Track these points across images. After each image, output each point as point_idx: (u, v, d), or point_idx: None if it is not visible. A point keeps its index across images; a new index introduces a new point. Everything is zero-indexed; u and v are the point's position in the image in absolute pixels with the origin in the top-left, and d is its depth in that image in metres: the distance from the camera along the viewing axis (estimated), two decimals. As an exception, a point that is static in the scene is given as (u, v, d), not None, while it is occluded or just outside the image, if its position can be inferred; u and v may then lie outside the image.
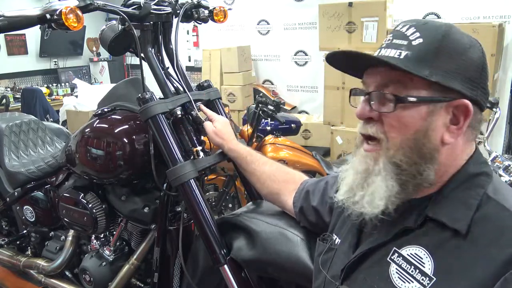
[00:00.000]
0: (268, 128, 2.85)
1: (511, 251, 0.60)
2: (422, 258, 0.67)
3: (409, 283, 0.67)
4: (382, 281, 0.71)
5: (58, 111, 5.09)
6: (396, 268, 0.69)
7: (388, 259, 0.71)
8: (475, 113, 0.69)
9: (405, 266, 0.68)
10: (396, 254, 0.70)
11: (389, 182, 0.70)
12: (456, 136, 0.69)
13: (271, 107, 2.61)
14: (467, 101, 0.67)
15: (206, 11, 1.44)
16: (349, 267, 0.78)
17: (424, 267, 0.66)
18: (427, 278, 0.65)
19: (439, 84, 0.67)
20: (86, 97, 4.67)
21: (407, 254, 0.69)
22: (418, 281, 0.66)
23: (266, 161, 1.21)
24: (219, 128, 1.27)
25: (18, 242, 2.01)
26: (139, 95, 1.22)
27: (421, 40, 0.69)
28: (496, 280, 0.60)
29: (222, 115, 1.39)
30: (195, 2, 1.41)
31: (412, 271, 0.67)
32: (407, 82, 0.69)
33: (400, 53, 0.69)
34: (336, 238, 0.89)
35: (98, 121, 1.42)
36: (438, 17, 3.69)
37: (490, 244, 0.63)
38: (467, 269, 0.63)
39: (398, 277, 0.69)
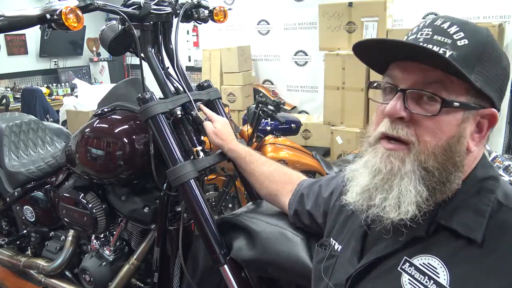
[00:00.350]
0: (268, 128, 2.85)
1: None
2: (436, 268, 0.64)
3: None
4: None
5: (58, 111, 5.09)
6: (409, 279, 0.66)
7: (399, 268, 0.68)
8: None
9: (418, 277, 0.65)
10: (408, 264, 0.67)
11: (419, 187, 0.66)
12: (478, 144, 0.67)
13: (271, 107, 2.61)
14: (495, 111, 0.66)
15: (206, 11, 1.44)
16: (355, 276, 0.75)
17: (439, 277, 0.63)
18: None
19: (477, 90, 0.64)
20: (86, 97, 4.67)
21: (420, 264, 0.66)
22: None
23: (264, 162, 1.21)
24: (219, 128, 1.27)
25: (18, 242, 2.01)
26: (139, 95, 1.22)
27: (466, 41, 0.65)
28: None
29: (222, 115, 1.39)
30: (195, 2, 1.41)
31: (426, 282, 0.64)
32: (448, 84, 0.64)
33: (445, 51, 0.64)
34: (335, 244, 0.86)
35: (98, 121, 1.42)
36: (438, 17, 3.69)
37: (508, 254, 0.60)
38: (484, 280, 0.60)
39: (411, 287, 0.66)
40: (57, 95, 5.68)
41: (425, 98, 0.65)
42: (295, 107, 4.71)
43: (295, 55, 4.65)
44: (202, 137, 1.34)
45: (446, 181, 0.66)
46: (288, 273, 1.08)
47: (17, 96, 5.23)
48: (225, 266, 1.15)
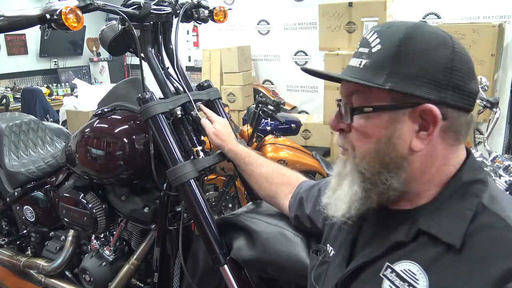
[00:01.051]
0: (268, 128, 2.85)
1: (505, 267, 0.57)
2: (415, 275, 0.64)
3: None
4: None
5: (58, 111, 5.09)
6: (389, 285, 0.66)
7: (381, 274, 0.68)
8: (454, 116, 0.66)
9: (398, 283, 0.65)
10: (389, 270, 0.67)
11: (354, 188, 0.71)
12: (427, 142, 0.66)
13: (271, 107, 2.61)
14: (430, 105, 0.64)
15: (206, 11, 1.44)
16: (342, 281, 0.75)
17: (418, 284, 0.63)
18: None
19: (399, 91, 0.65)
20: (86, 97, 4.67)
21: (401, 270, 0.66)
22: None
23: (263, 162, 1.20)
24: (218, 129, 1.27)
25: (18, 242, 2.01)
26: (139, 95, 1.22)
27: (379, 46, 0.67)
28: None
29: (222, 115, 1.39)
30: (195, 2, 1.41)
31: None
32: (367, 92, 0.68)
33: (361, 62, 0.69)
34: (331, 250, 0.85)
35: (98, 121, 1.42)
36: (438, 17, 3.69)
37: (484, 259, 0.59)
38: (462, 287, 0.60)
39: None
40: (57, 95, 5.68)
41: (346, 108, 0.71)
42: (295, 107, 4.71)
43: (295, 55, 4.65)
44: (202, 137, 1.34)
45: (380, 182, 0.68)
46: (288, 273, 1.08)
47: (17, 96, 5.23)
48: (225, 266, 1.15)
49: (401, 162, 0.67)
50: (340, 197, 0.73)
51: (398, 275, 0.66)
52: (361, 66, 0.69)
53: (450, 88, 0.65)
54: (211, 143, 1.29)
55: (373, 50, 0.68)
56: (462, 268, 0.60)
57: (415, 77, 0.65)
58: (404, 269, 0.65)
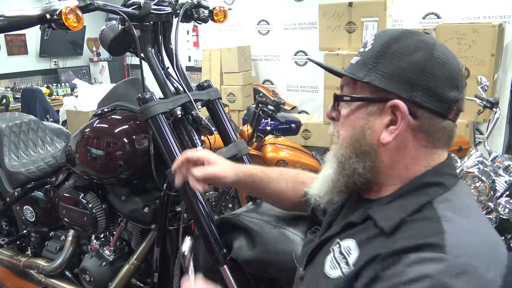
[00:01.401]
0: (268, 128, 2.85)
1: (411, 244, 0.62)
2: (351, 250, 0.71)
3: (334, 269, 0.72)
4: (319, 267, 0.76)
5: (58, 111, 5.09)
6: (331, 257, 0.74)
7: (330, 248, 0.76)
8: (425, 117, 0.70)
9: (337, 256, 0.73)
10: (337, 245, 0.75)
11: (329, 170, 0.79)
12: (394, 136, 0.70)
13: (271, 107, 2.61)
14: (398, 101, 0.69)
15: (206, 11, 1.44)
16: (310, 252, 0.84)
17: (350, 257, 0.71)
18: (347, 267, 0.70)
19: (374, 85, 0.71)
20: (86, 97, 4.67)
21: (344, 246, 0.73)
22: (340, 269, 0.71)
23: (278, 177, 1.10)
24: (219, 167, 1.03)
25: (18, 242, 2.01)
26: (139, 95, 1.22)
27: (370, 46, 0.74)
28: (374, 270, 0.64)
29: (222, 115, 1.39)
30: (195, 2, 1.41)
31: (340, 261, 0.72)
32: (354, 85, 0.75)
33: (355, 59, 0.77)
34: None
35: (98, 121, 1.42)
36: (438, 17, 3.69)
37: (400, 239, 0.64)
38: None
39: (329, 265, 0.74)
40: (57, 95, 5.68)
41: (334, 97, 0.79)
42: (295, 107, 4.71)
43: (295, 55, 4.65)
44: (202, 137, 1.34)
45: (347, 165, 0.76)
46: (288, 272, 1.08)
47: (17, 96, 5.22)
48: (225, 266, 1.15)
49: (369, 151, 0.73)
50: (318, 178, 0.83)
51: (340, 250, 0.73)
52: (354, 63, 0.76)
53: (422, 89, 0.69)
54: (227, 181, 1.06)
55: (366, 49, 0.75)
56: (383, 244, 0.67)
57: (391, 75, 0.70)
58: (347, 245, 0.73)
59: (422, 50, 0.70)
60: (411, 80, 0.69)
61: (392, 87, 0.70)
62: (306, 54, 4.57)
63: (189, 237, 0.99)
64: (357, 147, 0.74)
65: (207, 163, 1.02)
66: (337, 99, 0.78)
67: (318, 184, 0.83)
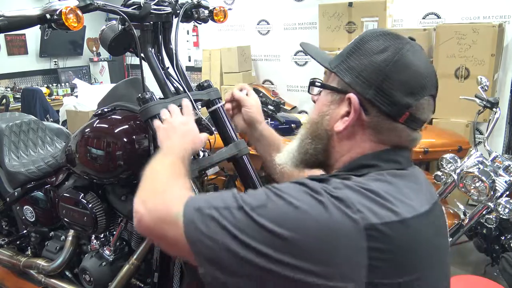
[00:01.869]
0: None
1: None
2: None
3: None
4: None
5: (58, 111, 5.08)
6: None
7: None
8: (374, 115, 0.75)
9: None
10: None
11: (293, 145, 0.88)
12: (346, 126, 0.76)
13: (271, 107, 2.61)
14: (352, 95, 0.75)
15: (206, 11, 1.44)
16: None
17: None
18: None
19: (338, 76, 0.78)
20: (86, 97, 4.67)
21: None
22: None
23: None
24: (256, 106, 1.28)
25: (18, 242, 2.01)
26: (139, 95, 1.22)
27: (353, 40, 0.80)
28: None
29: (222, 115, 1.39)
30: (195, 2, 1.41)
31: None
32: (329, 74, 0.82)
33: (340, 51, 0.84)
34: None
35: (98, 121, 1.42)
36: (438, 17, 3.69)
37: None
38: None
39: None
40: (57, 95, 5.68)
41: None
42: (295, 107, 4.71)
43: (295, 55, 4.65)
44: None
45: (303, 147, 0.84)
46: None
47: (17, 96, 5.22)
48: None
49: (323, 135, 0.81)
50: (286, 148, 0.91)
51: None
52: (338, 53, 0.83)
53: (374, 88, 0.74)
54: (251, 117, 1.26)
55: (349, 43, 0.81)
56: None
57: (354, 70, 0.76)
58: None
59: (387, 52, 0.74)
60: (368, 78, 0.74)
61: (351, 81, 0.76)
62: (306, 54, 4.55)
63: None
64: (314, 129, 0.82)
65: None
66: (311, 83, 0.85)
67: (285, 154, 0.90)
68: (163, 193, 0.80)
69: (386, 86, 0.73)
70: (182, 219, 0.70)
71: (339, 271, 0.63)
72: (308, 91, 0.86)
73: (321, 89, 0.83)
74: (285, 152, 0.90)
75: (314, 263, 0.63)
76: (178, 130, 1.05)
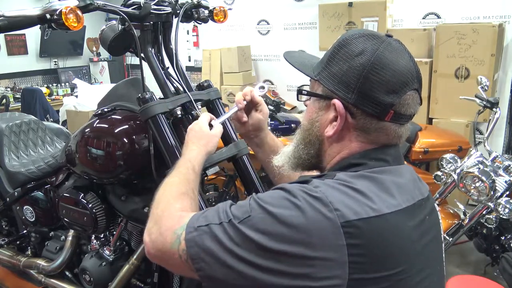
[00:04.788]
0: (268, 128, 2.84)
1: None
2: None
3: None
4: None
5: (58, 111, 5.08)
6: None
7: None
8: (360, 117, 0.77)
9: None
10: None
11: (289, 148, 0.91)
12: (335, 131, 0.79)
13: (271, 107, 2.61)
14: (336, 100, 0.77)
15: (206, 11, 1.44)
16: None
17: None
18: None
19: (321, 84, 0.80)
20: (86, 97, 4.67)
21: None
22: None
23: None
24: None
25: (18, 242, 2.01)
26: (139, 95, 1.22)
27: (331, 46, 0.82)
28: None
29: (222, 115, 1.39)
30: (195, 2, 1.41)
31: None
32: (313, 81, 0.84)
33: (322, 57, 0.85)
34: None
35: (98, 121, 1.42)
36: (438, 17, 3.69)
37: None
38: None
39: None
40: (57, 95, 5.67)
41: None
42: (295, 107, 4.71)
43: (295, 55, 4.64)
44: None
45: (297, 153, 0.87)
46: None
47: (17, 96, 5.22)
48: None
49: (315, 141, 0.84)
50: (283, 151, 0.94)
51: None
52: (319, 60, 0.85)
53: (356, 92, 0.76)
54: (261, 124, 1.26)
55: (329, 48, 0.82)
56: None
57: (335, 76, 0.78)
58: None
59: (364, 55, 0.76)
60: (348, 83, 0.76)
61: (333, 88, 0.78)
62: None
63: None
64: (306, 136, 0.85)
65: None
66: (298, 91, 0.88)
67: (282, 157, 0.94)
68: (160, 222, 0.83)
69: (367, 88, 0.75)
70: (184, 241, 0.74)
71: (323, 271, 0.65)
72: (297, 99, 0.88)
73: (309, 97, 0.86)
74: (282, 155, 0.93)
75: (299, 267, 0.66)
76: (204, 137, 1.08)
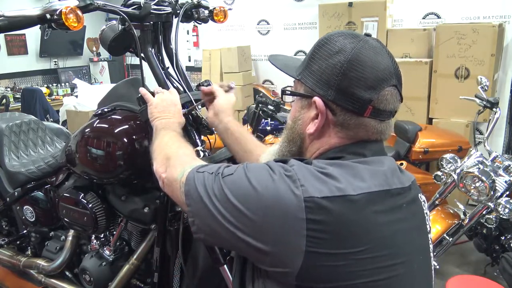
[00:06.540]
0: (268, 128, 2.85)
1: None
2: None
3: None
4: None
5: (58, 111, 5.08)
6: None
7: None
8: (340, 114, 0.79)
9: None
10: None
11: (275, 147, 0.95)
12: (316, 128, 0.81)
13: (271, 107, 2.61)
14: (317, 98, 0.80)
15: (206, 11, 1.44)
16: None
17: None
18: None
19: (302, 83, 0.83)
20: (86, 97, 4.67)
21: None
22: None
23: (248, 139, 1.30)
24: (220, 103, 1.29)
25: (18, 242, 2.01)
26: (139, 95, 1.22)
27: (312, 46, 0.84)
28: None
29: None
30: (195, 2, 1.41)
31: None
32: (296, 81, 0.87)
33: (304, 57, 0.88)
34: None
35: (98, 121, 1.43)
36: (438, 17, 3.69)
37: None
38: None
39: None
40: (57, 95, 5.67)
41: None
42: (295, 107, 4.71)
43: (295, 55, 4.64)
44: (202, 137, 1.34)
45: (282, 151, 0.90)
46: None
47: (17, 96, 5.22)
48: (225, 266, 1.15)
49: (297, 139, 0.87)
50: (270, 149, 1.00)
51: None
52: (302, 60, 0.88)
53: (335, 89, 0.78)
54: (218, 107, 1.28)
55: (310, 49, 0.85)
56: None
57: (315, 74, 0.81)
58: None
59: (342, 53, 0.78)
60: (327, 80, 0.79)
61: (313, 85, 0.81)
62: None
63: None
64: (290, 134, 0.88)
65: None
66: (282, 92, 0.90)
67: (268, 156, 0.98)
68: (175, 158, 0.96)
69: (346, 85, 0.77)
70: (185, 177, 0.85)
71: (282, 239, 0.71)
72: (282, 100, 0.93)
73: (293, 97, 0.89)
74: (268, 154, 1.00)
75: (262, 233, 0.72)
76: (171, 107, 1.18)
